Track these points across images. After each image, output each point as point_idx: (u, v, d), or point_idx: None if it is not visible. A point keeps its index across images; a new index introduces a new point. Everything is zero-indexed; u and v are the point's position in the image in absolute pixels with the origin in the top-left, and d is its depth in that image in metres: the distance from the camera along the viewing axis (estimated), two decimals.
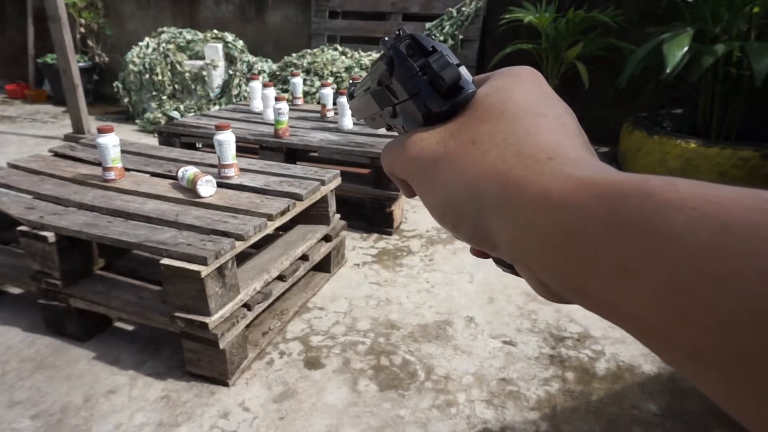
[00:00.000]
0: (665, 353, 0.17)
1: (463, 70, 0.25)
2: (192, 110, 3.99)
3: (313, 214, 1.81)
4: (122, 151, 1.95)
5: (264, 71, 3.97)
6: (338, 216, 1.92)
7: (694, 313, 0.15)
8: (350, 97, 0.31)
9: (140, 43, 4.23)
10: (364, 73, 3.54)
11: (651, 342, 0.17)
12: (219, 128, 1.65)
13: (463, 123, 0.24)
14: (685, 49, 2.47)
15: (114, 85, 4.27)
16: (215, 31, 4.30)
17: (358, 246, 2.18)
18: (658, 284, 0.16)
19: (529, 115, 0.23)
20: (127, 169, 1.77)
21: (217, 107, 3.91)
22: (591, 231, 0.18)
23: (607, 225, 0.17)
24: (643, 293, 0.16)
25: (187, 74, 4.07)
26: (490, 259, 0.27)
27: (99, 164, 1.69)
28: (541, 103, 0.24)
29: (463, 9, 3.75)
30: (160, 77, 4.08)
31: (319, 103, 2.87)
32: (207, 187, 1.55)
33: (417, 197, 0.27)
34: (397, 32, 0.27)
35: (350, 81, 0.34)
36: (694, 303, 0.15)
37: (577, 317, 1.69)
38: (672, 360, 0.17)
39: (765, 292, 0.14)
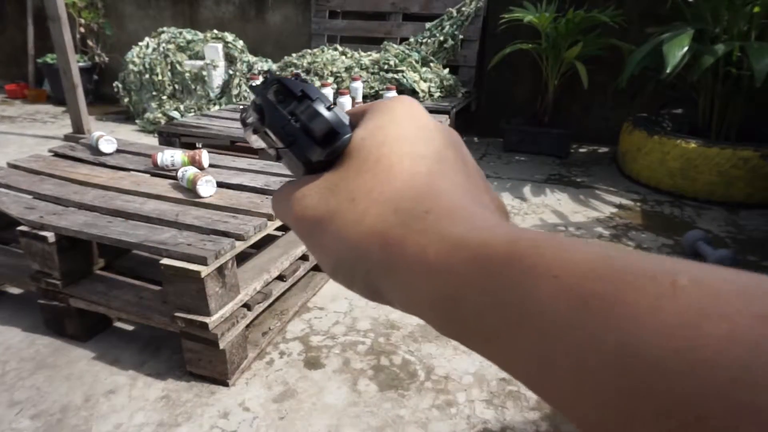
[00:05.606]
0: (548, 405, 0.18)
1: (337, 112, 0.24)
2: (192, 110, 3.99)
3: None
4: (122, 151, 1.95)
5: (264, 71, 3.97)
6: None
7: (560, 386, 0.16)
8: (243, 123, 0.29)
9: (140, 43, 4.23)
10: (364, 74, 3.54)
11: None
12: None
13: (341, 176, 0.23)
14: (685, 49, 2.47)
15: (114, 85, 4.27)
16: (215, 31, 4.29)
17: None
18: (528, 354, 0.17)
19: (405, 160, 0.23)
20: (127, 170, 1.78)
21: (217, 107, 3.91)
22: (467, 297, 0.18)
23: (481, 292, 0.18)
24: (517, 360, 0.17)
25: (187, 74, 4.07)
26: None
27: (99, 164, 1.69)
28: (419, 140, 0.24)
29: (463, 9, 3.75)
30: (160, 77, 4.08)
31: None
32: (207, 187, 1.55)
33: None
34: (264, 76, 0.25)
35: (240, 106, 0.30)
36: (559, 375, 0.16)
37: None
38: None
39: (617, 370, 0.14)
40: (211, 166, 1.80)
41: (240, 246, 1.35)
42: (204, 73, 4.03)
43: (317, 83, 3.52)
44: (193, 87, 4.08)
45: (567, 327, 0.16)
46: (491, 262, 0.18)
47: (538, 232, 0.19)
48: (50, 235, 1.40)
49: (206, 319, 1.28)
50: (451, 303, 0.19)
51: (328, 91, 2.73)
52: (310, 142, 0.24)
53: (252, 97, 0.25)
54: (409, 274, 0.20)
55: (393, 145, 0.23)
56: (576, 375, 0.15)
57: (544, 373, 0.16)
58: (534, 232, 0.19)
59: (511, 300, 0.17)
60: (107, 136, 1.94)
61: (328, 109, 0.23)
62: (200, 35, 4.27)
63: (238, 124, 2.56)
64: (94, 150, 1.94)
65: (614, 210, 2.64)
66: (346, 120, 0.24)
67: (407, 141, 0.23)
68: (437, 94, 3.45)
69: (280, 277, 1.58)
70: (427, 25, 3.86)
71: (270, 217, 1.45)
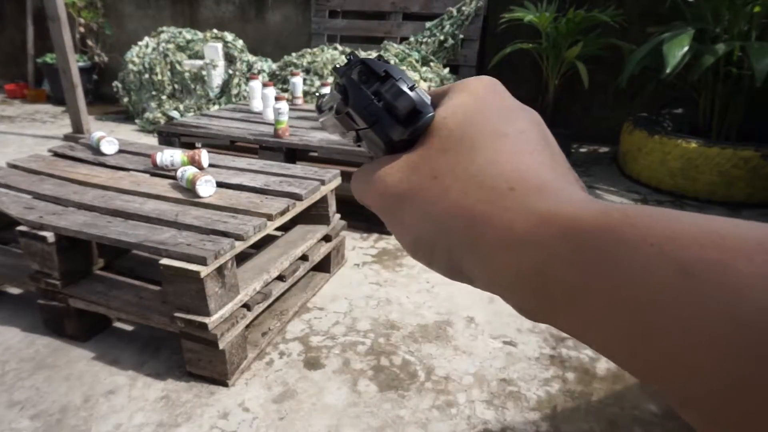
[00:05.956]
0: (645, 383, 0.17)
1: (419, 92, 0.24)
2: (191, 110, 3.98)
3: (313, 214, 1.81)
4: (122, 151, 1.95)
5: (264, 71, 3.97)
6: (338, 216, 1.92)
7: (661, 357, 0.15)
8: (319, 110, 0.30)
9: (140, 43, 4.23)
10: None
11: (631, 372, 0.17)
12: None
13: (423, 154, 0.24)
14: (685, 48, 2.47)
15: (113, 84, 4.26)
16: (215, 30, 4.29)
17: (358, 246, 2.18)
18: (623, 326, 0.16)
19: (488, 138, 0.23)
20: (126, 170, 1.77)
21: (216, 107, 3.91)
22: (556, 271, 0.18)
23: (571, 265, 0.17)
24: (610, 333, 0.17)
25: (186, 74, 4.06)
26: None
27: (98, 164, 1.69)
28: (502, 119, 0.24)
29: (464, 8, 3.75)
30: (159, 77, 4.07)
31: None
32: (206, 187, 1.54)
33: None
34: (348, 57, 0.26)
35: (317, 93, 0.32)
36: (659, 346, 0.15)
37: None
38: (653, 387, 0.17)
39: (727, 336, 0.14)
40: (210, 165, 1.80)
41: (239, 246, 1.34)
42: (203, 72, 4.03)
43: (317, 83, 3.51)
44: (192, 87, 4.07)
45: (668, 296, 0.15)
46: (581, 234, 0.17)
47: (629, 204, 0.18)
48: (50, 235, 1.40)
49: (206, 320, 1.28)
50: (538, 278, 0.18)
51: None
52: (393, 122, 0.24)
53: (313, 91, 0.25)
54: (495, 249, 0.20)
55: (475, 124, 0.23)
56: (680, 345, 0.15)
57: (641, 346, 0.16)
58: (624, 205, 0.18)
59: (603, 272, 0.17)
60: (109, 137, 1.94)
61: (411, 88, 0.24)
62: (200, 35, 4.26)
63: (238, 124, 2.55)
64: (94, 150, 1.94)
65: None
66: (428, 100, 0.24)
67: (490, 120, 0.23)
68: None
69: (280, 278, 1.58)
70: (427, 24, 3.86)
71: (270, 217, 1.45)
